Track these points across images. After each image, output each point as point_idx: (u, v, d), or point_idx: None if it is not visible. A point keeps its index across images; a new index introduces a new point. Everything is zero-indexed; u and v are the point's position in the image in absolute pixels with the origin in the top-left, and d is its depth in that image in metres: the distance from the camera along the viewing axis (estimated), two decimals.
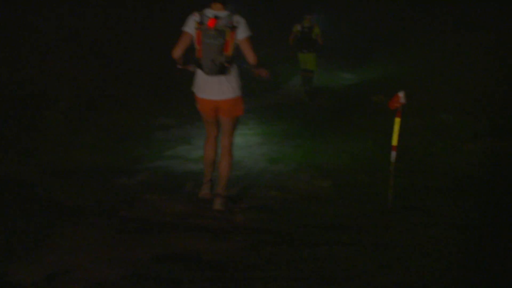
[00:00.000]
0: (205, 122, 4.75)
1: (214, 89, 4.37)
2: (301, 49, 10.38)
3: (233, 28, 4.21)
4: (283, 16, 16.08)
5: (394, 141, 4.92)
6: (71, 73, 8.14)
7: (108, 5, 10.53)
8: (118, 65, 9.43)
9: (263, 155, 6.78)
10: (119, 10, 10.82)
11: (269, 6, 17.36)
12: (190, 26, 4.29)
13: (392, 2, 19.26)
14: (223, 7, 4.29)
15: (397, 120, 4.91)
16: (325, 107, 10.82)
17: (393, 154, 4.91)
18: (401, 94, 4.89)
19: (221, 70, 4.25)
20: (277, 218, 4.39)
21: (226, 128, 4.65)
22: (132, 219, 4.11)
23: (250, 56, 4.34)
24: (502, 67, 10.11)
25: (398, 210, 4.65)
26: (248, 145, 7.34)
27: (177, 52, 4.35)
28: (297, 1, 16.83)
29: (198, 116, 4.83)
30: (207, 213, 4.40)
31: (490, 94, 9.14)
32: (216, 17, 4.19)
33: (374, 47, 17.69)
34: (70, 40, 8.87)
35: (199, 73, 4.40)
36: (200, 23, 4.20)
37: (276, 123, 9.02)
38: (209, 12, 4.25)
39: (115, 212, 4.27)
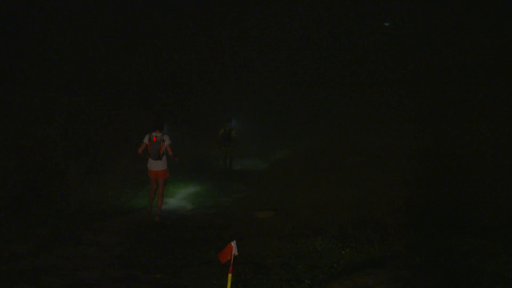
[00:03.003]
0: (151, 183, 10.08)
1: (155, 165, 9.74)
2: (224, 143, 15.20)
3: (163, 141, 9.59)
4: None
5: None
6: None
7: None
8: None
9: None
10: None
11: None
12: (145, 139, 9.68)
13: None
14: (159, 132, 9.66)
15: (230, 277, 4.14)
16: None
17: None
18: (233, 244, 4.16)
19: (159, 158, 9.62)
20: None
21: (160, 185, 10.00)
22: None
23: (170, 152, 9.61)
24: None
25: None
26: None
27: (140, 150, 9.79)
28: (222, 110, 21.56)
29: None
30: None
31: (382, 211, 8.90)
32: (156, 136, 9.57)
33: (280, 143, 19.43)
34: None
35: (150, 159, 9.72)
36: (150, 139, 9.60)
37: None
38: (154, 134, 9.61)
39: None
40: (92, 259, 7.02)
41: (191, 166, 16.57)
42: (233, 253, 4.13)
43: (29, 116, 13.15)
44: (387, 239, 7.39)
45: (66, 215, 9.44)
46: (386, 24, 24.65)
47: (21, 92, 14.72)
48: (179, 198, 12.52)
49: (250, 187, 14.09)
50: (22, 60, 18.05)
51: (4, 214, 8.33)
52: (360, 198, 10.35)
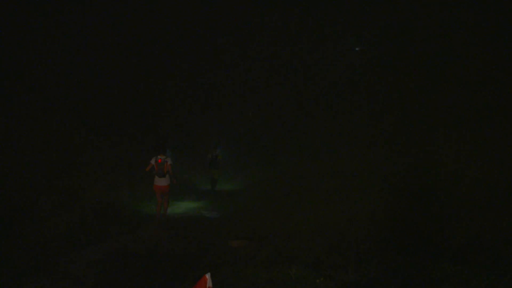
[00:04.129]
0: (157, 196, 12.33)
1: (161, 181, 12.10)
2: (211, 166, 17.14)
3: (166, 162, 12.02)
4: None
5: None
6: None
7: None
8: None
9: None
10: None
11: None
12: (152, 160, 12.07)
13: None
14: (163, 155, 12.08)
15: None
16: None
17: None
18: (207, 277, 4.15)
19: (163, 175, 12.05)
20: None
21: (165, 198, 12.41)
22: None
23: (170, 171, 12.16)
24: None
25: None
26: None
27: (147, 169, 12.23)
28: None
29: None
30: None
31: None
32: (161, 159, 11.98)
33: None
34: None
35: (156, 176, 12.11)
36: (156, 161, 12.01)
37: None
38: (159, 157, 12.04)
39: None
40: None
41: (175, 190, 16.59)
42: (207, 286, 4.12)
43: None
44: (362, 265, 7.45)
45: (38, 246, 9.26)
46: (357, 49, 25.03)
47: None
48: (154, 226, 12.40)
49: (226, 214, 14.03)
50: None
51: None
52: (335, 223, 10.44)
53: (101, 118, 18.98)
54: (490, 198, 10.05)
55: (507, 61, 16.28)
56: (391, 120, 17.98)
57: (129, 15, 24.56)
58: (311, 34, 24.77)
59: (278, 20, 25.18)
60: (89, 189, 12.76)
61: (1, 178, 11.25)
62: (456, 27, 19.55)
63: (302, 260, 7.96)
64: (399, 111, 18.21)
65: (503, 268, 6.88)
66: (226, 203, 15.35)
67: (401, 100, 18.91)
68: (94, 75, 21.83)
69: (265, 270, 7.57)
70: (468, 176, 11.53)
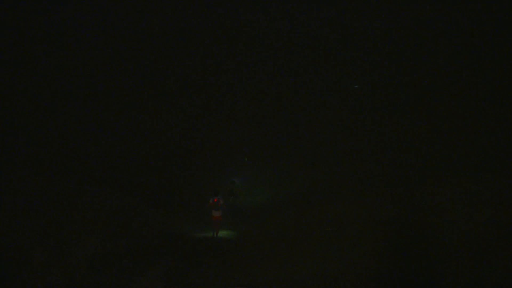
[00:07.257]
0: (213, 223, 16.85)
1: (216, 213, 16.80)
2: (231, 197, 19.43)
3: (219, 202, 16.72)
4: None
5: None
6: None
7: None
8: None
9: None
10: None
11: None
12: (210, 200, 16.67)
13: None
14: (217, 196, 16.76)
15: None
16: None
17: None
18: None
19: (217, 209, 16.76)
20: None
21: (218, 224, 16.90)
22: None
23: (224, 206, 16.94)
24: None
25: None
26: None
27: (206, 206, 16.77)
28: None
29: None
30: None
31: None
32: (216, 199, 16.68)
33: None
34: None
35: (213, 210, 16.74)
36: (212, 200, 16.67)
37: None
38: (214, 197, 16.69)
39: None
40: None
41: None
42: None
43: None
44: None
45: None
46: (356, 86, 25.07)
47: None
48: (154, 274, 12.17)
49: (224, 260, 13.88)
50: None
51: None
52: (330, 271, 10.39)
53: (97, 167, 18.95)
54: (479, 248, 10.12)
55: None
56: (387, 169, 18.09)
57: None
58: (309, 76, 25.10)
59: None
60: (82, 242, 12.62)
61: None
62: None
63: None
64: (394, 159, 18.36)
65: None
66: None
67: (396, 147, 19.09)
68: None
69: None
70: (459, 226, 11.58)
